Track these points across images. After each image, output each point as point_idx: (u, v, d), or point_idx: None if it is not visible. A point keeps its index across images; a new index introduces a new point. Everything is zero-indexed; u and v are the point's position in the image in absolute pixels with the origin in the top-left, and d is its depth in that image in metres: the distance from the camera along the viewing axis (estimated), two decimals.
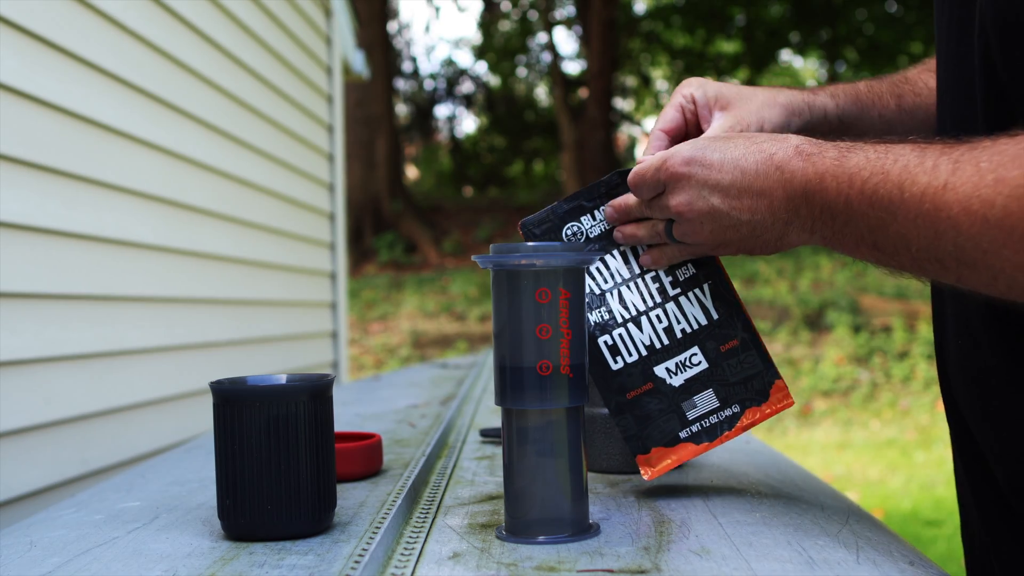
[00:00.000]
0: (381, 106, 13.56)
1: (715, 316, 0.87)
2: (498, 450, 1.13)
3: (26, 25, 1.86)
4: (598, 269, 0.88)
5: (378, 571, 0.68)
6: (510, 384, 0.74)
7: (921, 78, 1.04)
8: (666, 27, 15.89)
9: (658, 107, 18.94)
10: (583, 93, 14.94)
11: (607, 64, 13.77)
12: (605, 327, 0.87)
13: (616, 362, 0.87)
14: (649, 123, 20.92)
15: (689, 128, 0.95)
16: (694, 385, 0.86)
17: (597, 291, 0.88)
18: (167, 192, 2.50)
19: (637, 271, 0.88)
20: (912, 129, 1.01)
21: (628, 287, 0.88)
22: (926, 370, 7.18)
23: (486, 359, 2.32)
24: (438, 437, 1.20)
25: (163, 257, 2.49)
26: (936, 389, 7.32)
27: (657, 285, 0.88)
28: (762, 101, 0.93)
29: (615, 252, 0.89)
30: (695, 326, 0.87)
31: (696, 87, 0.95)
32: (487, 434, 1.22)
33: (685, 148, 0.81)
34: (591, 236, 0.89)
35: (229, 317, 2.98)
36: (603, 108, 13.85)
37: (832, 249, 0.77)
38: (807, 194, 0.74)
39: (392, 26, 16.92)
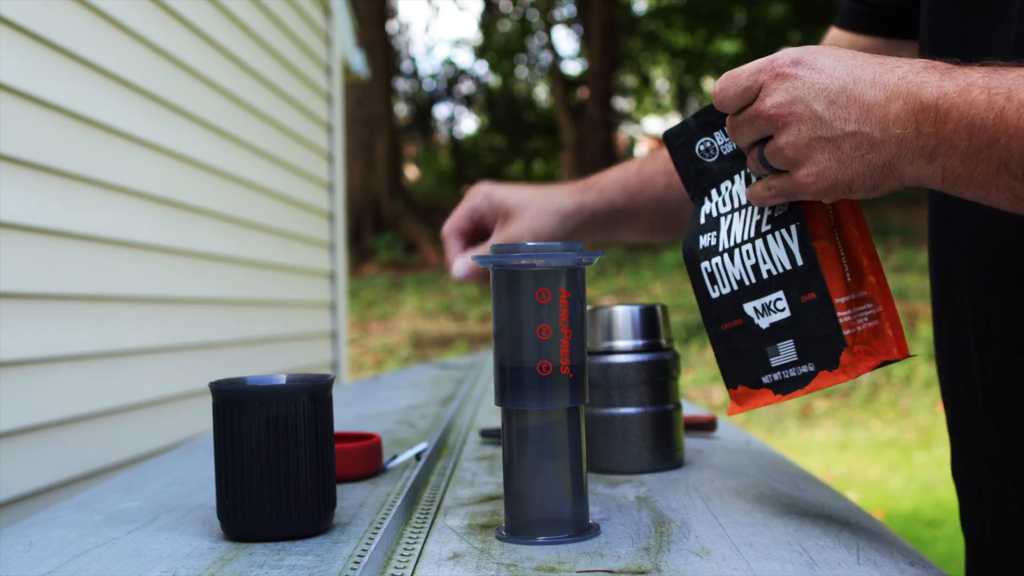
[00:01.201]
0: (381, 106, 13.56)
1: (800, 262, 0.80)
2: (498, 450, 1.13)
3: (26, 25, 1.86)
4: (718, 191, 0.85)
5: (378, 571, 0.68)
6: (510, 384, 0.74)
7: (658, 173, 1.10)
8: (666, 27, 15.89)
9: (658, 107, 18.96)
10: (583, 93, 14.94)
11: (607, 64, 13.77)
12: (708, 252, 0.85)
13: (713, 291, 0.85)
14: (649, 123, 20.93)
15: (481, 227, 1.06)
16: (778, 331, 0.82)
17: (714, 214, 0.85)
18: (167, 192, 2.50)
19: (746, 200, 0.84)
20: (680, 203, 1.06)
21: (738, 215, 0.84)
22: (926, 370, 7.18)
23: (486, 359, 2.32)
24: (438, 437, 1.20)
25: (163, 257, 2.49)
26: (936, 389, 7.31)
27: (756, 219, 0.83)
28: (537, 209, 1.03)
29: (739, 174, 0.84)
30: (780, 269, 0.81)
31: (482, 197, 1.04)
32: (487, 434, 1.22)
33: (793, 50, 0.72)
34: (723, 153, 0.85)
35: (229, 317, 2.98)
36: (603, 108, 13.86)
37: (951, 186, 0.67)
38: (938, 108, 0.65)
39: (392, 26, 16.93)
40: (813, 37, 15.39)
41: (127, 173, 2.29)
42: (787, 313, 0.81)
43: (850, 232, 0.79)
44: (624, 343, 1.00)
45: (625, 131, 19.16)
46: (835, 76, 0.68)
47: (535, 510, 0.74)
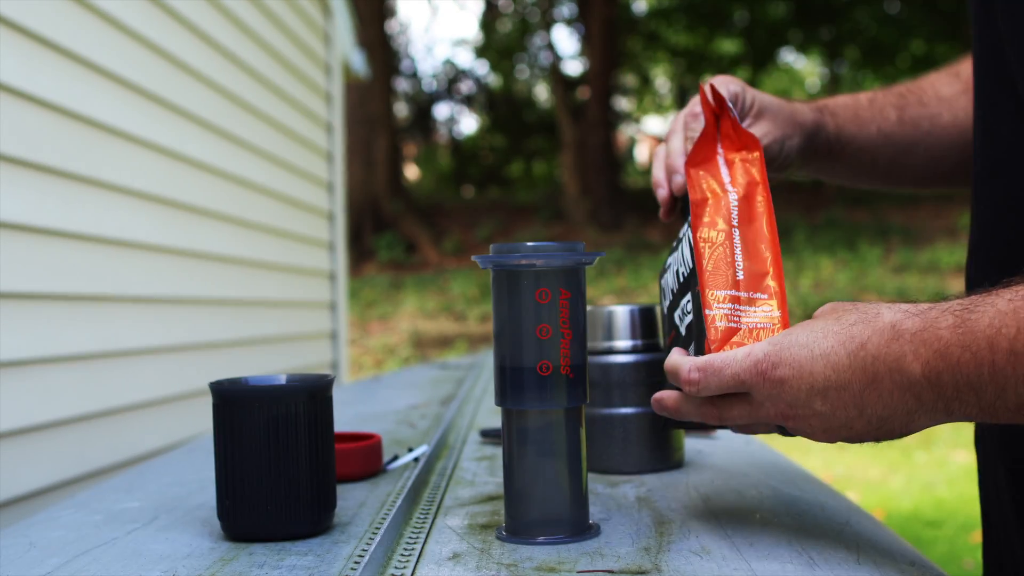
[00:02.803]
0: (381, 106, 13.56)
1: (692, 261, 0.80)
2: (498, 450, 1.13)
3: (26, 25, 1.86)
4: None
5: (378, 572, 0.68)
6: (510, 384, 0.73)
7: (933, 85, 1.01)
8: (666, 27, 15.89)
9: (658, 107, 18.96)
10: (583, 93, 14.93)
11: (607, 64, 13.77)
12: (664, 270, 0.90)
13: (663, 306, 0.90)
14: (649, 123, 20.92)
15: None
16: (690, 334, 0.80)
17: (680, 235, 0.86)
18: (167, 192, 2.50)
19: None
20: (913, 141, 0.98)
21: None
22: None
23: (486, 359, 2.32)
24: (438, 437, 1.20)
25: (163, 257, 2.49)
26: None
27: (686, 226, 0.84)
28: (787, 117, 0.92)
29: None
30: (686, 270, 0.82)
31: (737, 85, 0.92)
32: (487, 434, 1.22)
33: (768, 349, 0.69)
34: None
35: (229, 317, 2.98)
36: (603, 108, 13.85)
37: (985, 421, 0.64)
38: (930, 378, 0.62)
39: (392, 25, 16.93)
40: (814, 36, 15.40)
41: (127, 173, 2.29)
42: (692, 315, 0.80)
43: (757, 231, 0.78)
44: (624, 343, 1.00)
45: (625, 131, 19.16)
46: (815, 372, 0.66)
47: (535, 510, 0.74)
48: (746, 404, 0.70)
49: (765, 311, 0.75)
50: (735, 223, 0.78)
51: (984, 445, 0.88)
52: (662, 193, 0.89)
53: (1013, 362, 0.58)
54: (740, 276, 0.76)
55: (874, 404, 0.65)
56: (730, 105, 0.83)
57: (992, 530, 0.88)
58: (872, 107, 0.99)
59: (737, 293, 0.76)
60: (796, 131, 0.91)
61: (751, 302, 0.75)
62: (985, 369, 0.60)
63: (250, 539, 0.76)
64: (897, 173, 1.03)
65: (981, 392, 0.60)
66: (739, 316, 0.75)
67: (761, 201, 0.79)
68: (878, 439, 0.68)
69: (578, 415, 0.75)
